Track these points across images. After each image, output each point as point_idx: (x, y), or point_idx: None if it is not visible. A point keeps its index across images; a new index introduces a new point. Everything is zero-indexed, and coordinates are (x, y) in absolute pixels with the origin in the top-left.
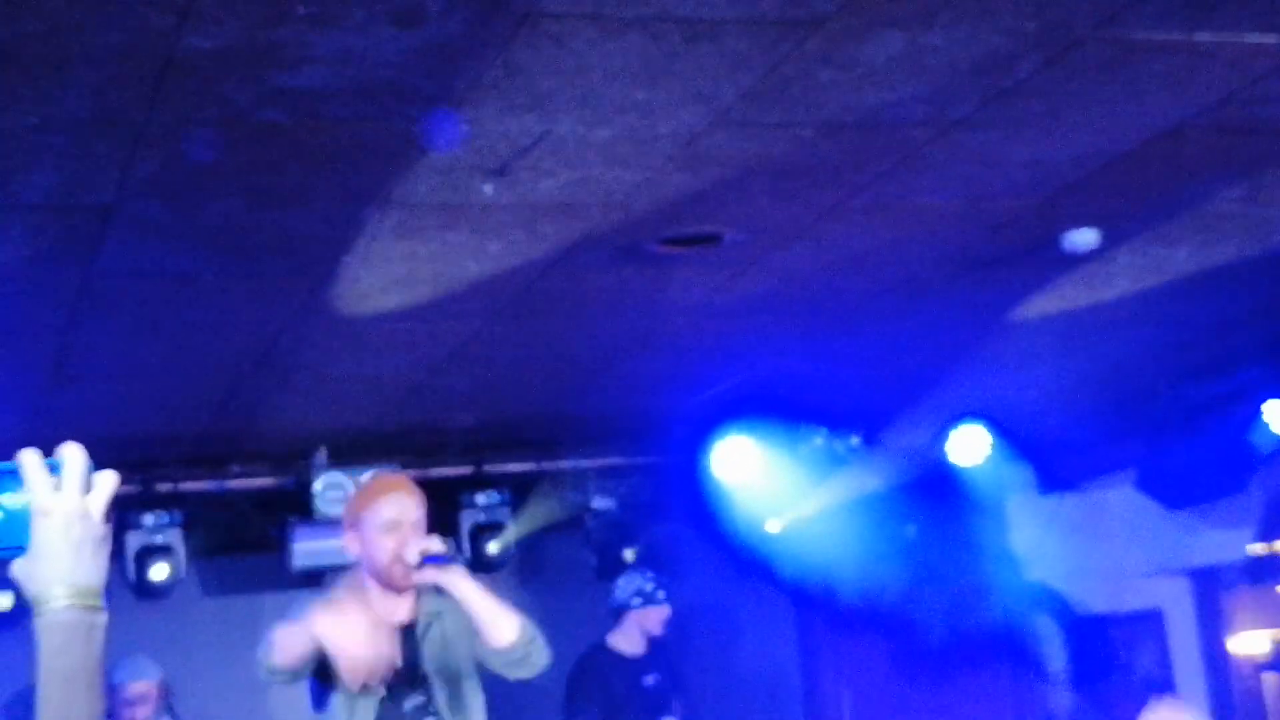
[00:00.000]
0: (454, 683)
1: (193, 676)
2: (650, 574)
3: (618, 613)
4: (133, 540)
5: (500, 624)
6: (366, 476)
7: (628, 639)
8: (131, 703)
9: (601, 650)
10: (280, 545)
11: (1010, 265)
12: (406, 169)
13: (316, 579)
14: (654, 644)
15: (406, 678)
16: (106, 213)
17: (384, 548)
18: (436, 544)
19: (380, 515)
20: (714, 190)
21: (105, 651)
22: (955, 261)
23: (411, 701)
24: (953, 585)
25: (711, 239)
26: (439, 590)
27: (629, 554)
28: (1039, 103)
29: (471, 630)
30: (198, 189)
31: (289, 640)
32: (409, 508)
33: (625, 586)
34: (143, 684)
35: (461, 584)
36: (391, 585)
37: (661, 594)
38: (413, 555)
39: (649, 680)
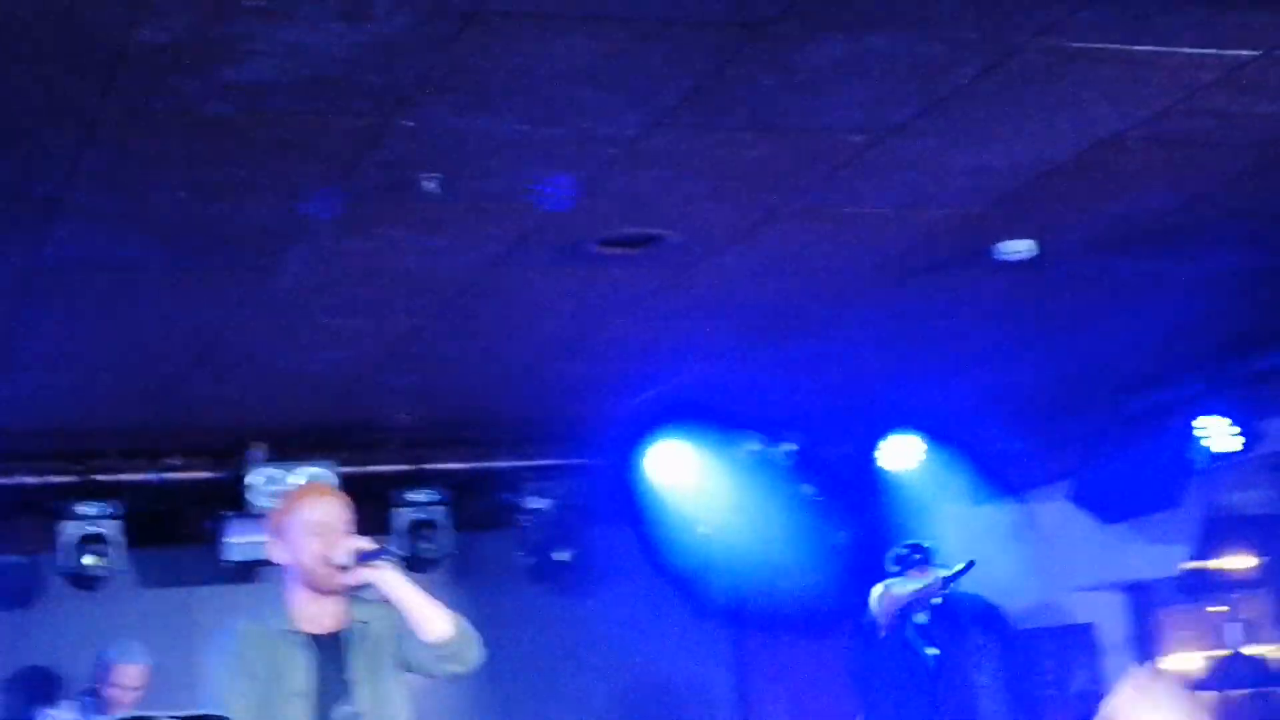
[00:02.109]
0: (382, 689)
1: None
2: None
3: None
4: (70, 529)
5: (434, 620)
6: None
7: None
8: (120, 685)
9: None
10: (214, 538)
11: (947, 273)
12: (351, 165)
13: (248, 572)
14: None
15: (334, 687)
16: (53, 203)
17: (309, 550)
18: (366, 542)
19: (305, 517)
20: (654, 192)
21: (44, 640)
22: (892, 268)
23: (339, 711)
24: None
25: (651, 240)
26: (367, 598)
27: (563, 554)
28: (978, 110)
29: (400, 634)
30: (145, 181)
31: None
32: (335, 510)
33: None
34: (134, 668)
35: (394, 580)
36: (319, 588)
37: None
38: (343, 556)
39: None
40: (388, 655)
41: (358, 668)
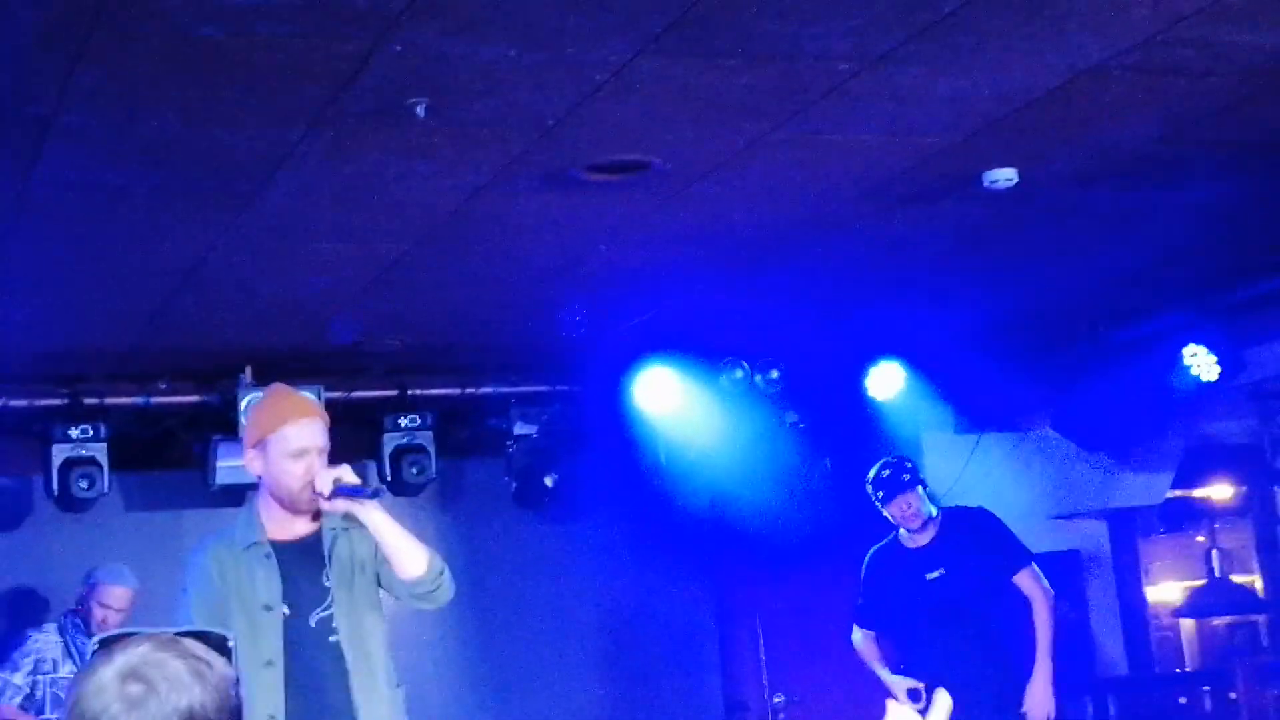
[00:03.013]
0: (356, 598)
1: None
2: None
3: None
4: (57, 452)
5: (410, 557)
6: (269, 392)
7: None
8: (106, 605)
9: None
10: (203, 462)
11: (931, 202)
12: (340, 89)
13: (238, 496)
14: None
15: (310, 592)
16: (43, 125)
17: (292, 474)
18: (348, 474)
19: (289, 442)
20: (641, 118)
21: (32, 562)
22: (877, 197)
23: (316, 615)
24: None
25: (638, 167)
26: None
27: (549, 480)
28: (963, 38)
29: (376, 554)
30: (134, 103)
31: None
32: (317, 434)
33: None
34: (121, 590)
35: (373, 515)
36: (295, 509)
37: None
38: (325, 485)
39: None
40: (363, 565)
41: (336, 574)
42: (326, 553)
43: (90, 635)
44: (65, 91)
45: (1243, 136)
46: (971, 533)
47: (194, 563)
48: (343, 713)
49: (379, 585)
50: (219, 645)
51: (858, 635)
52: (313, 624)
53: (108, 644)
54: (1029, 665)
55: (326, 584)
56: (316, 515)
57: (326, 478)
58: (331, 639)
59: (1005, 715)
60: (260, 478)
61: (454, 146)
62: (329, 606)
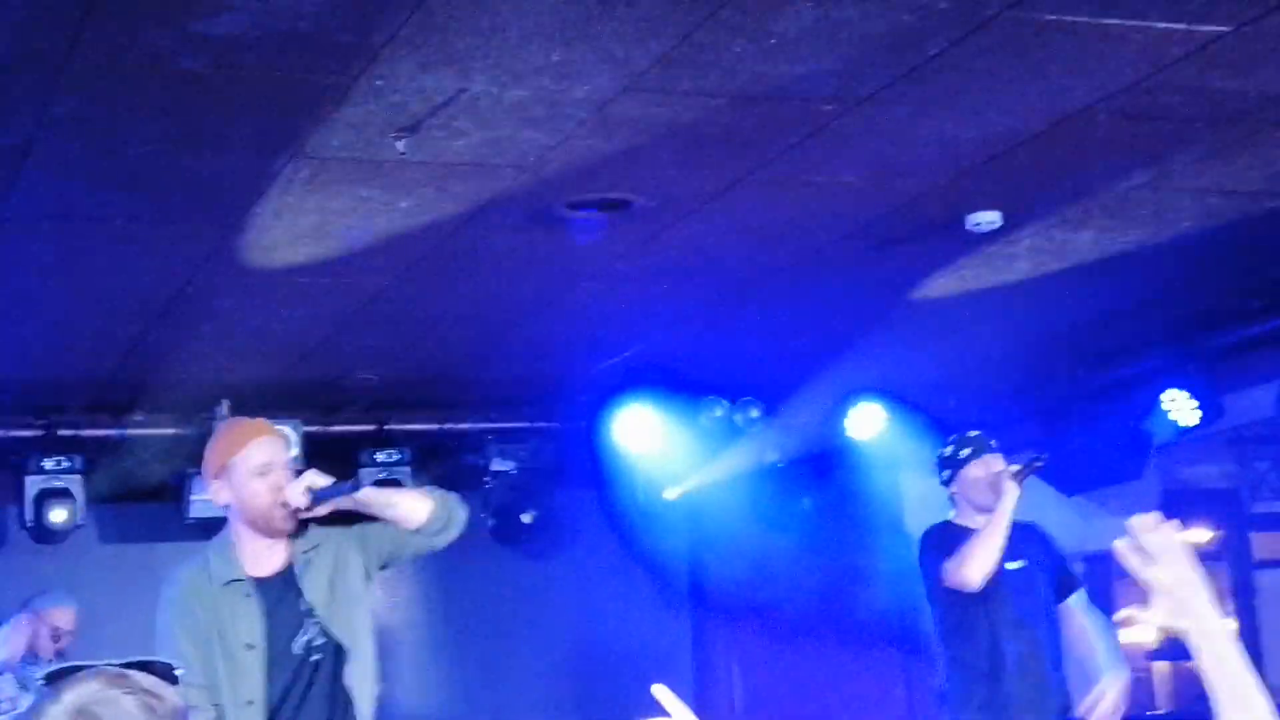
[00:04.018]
0: (338, 600)
1: (87, 621)
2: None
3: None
4: (32, 484)
5: (413, 508)
6: (223, 423)
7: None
8: (59, 628)
9: None
10: (178, 495)
11: (914, 243)
12: (321, 122)
13: (213, 529)
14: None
15: (291, 622)
16: (20, 152)
17: (258, 492)
18: (318, 478)
19: (251, 460)
20: (624, 156)
21: (6, 594)
22: (859, 237)
23: (297, 641)
24: (845, 561)
25: (620, 205)
26: (310, 524)
27: (526, 517)
28: (948, 81)
29: (367, 541)
30: (114, 132)
31: None
32: (277, 450)
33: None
34: (65, 611)
35: (363, 499)
36: (271, 530)
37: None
38: (298, 497)
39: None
40: (345, 574)
41: (312, 592)
42: (300, 578)
43: (38, 661)
44: (43, 119)
45: (1225, 183)
46: (1040, 541)
47: (171, 598)
48: (337, 713)
49: (390, 564)
50: (165, 674)
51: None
52: (295, 651)
53: (54, 679)
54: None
55: (305, 608)
56: (286, 542)
57: (297, 489)
58: (315, 657)
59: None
60: (229, 507)
61: (434, 182)
62: (309, 629)
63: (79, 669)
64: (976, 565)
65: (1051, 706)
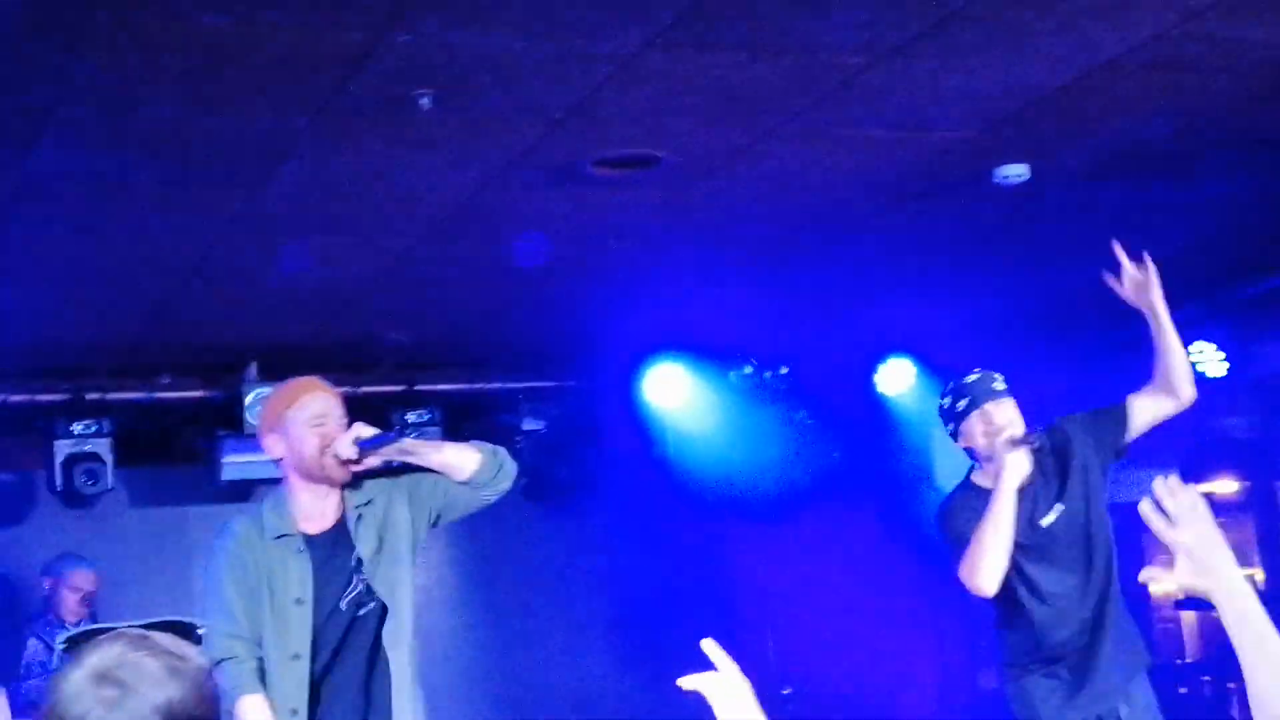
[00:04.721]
0: (386, 559)
1: (117, 584)
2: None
3: None
4: (61, 448)
5: (462, 459)
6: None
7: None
8: (79, 588)
9: None
10: (209, 457)
11: (941, 197)
12: (345, 80)
13: (244, 491)
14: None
15: (340, 579)
16: (42, 115)
17: (311, 442)
18: (365, 429)
19: (306, 410)
20: (650, 112)
21: (37, 558)
22: (887, 192)
23: (348, 596)
24: (878, 517)
25: (647, 162)
26: (363, 476)
27: (558, 475)
28: (975, 33)
29: (417, 498)
30: (135, 93)
31: None
32: (332, 404)
33: None
34: (88, 572)
35: (408, 451)
36: (324, 479)
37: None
38: (347, 448)
39: None
40: (395, 531)
41: (364, 548)
42: (353, 533)
43: (61, 619)
44: (62, 80)
45: (1253, 133)
46: (1066, 449)
47: (224, 547)
48: (373, 669)
49: (442, 520)
50: (188, 634)
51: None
52: (343, 607)
53: (75, 642)
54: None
55: (354, 565)
56: (339, 496)
57: (346, 441)
58: (362, 612)
59: (1130, 691)
60: (283, 461)
61: (459, 139)
62: (358, 585)
63: (100, 631)
64: (984, 573)
65: (1117, 670)
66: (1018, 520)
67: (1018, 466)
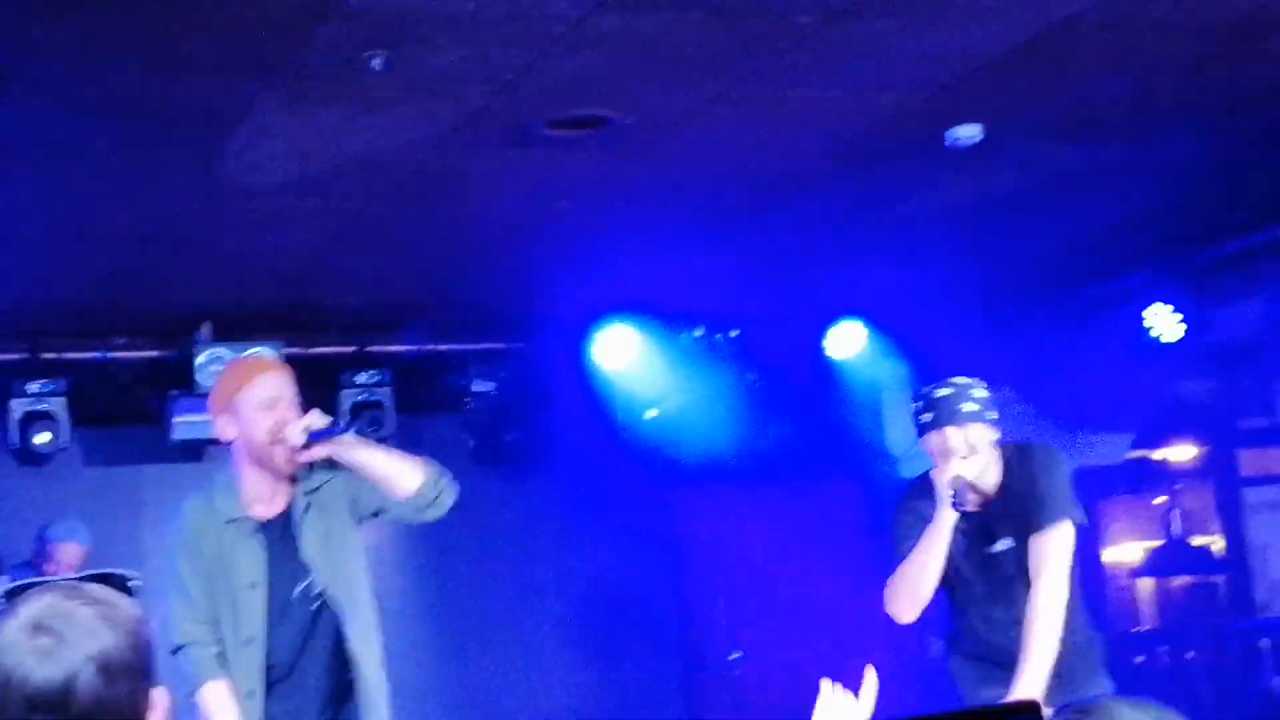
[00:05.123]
0: (338, 557)
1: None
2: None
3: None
4: (16, 407)
5: (404, 475)
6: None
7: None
8: (58, 561)
9: None
10: (161, 417)
11: (895, 160)
12: (297, 42)
13: (196, 451)
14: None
15: (291, 565)
16: (1, 77)
17: (261, 425)
18: (318, 419)
19: (257, 393)
20: (602, 73)
21: None
22: (840, 154)
23: (297, 587)
24: (827, 478)
25: (598, 122)
26: (313, 464)
27: (508, 437)
28: None
29: (360, 490)
30: (92, 57)
31: None
32: (284, 385)
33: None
34: (74, 546)
35: (354, 452)
36: (272, 467)
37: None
38: (296, 435)
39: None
40: (341, 519)
41: (311, 543)
42: (299, 523)
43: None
44: (20, 45)
45: (1211, 94)
46: (1028, 482)
47: (178, 532)
48: (338, 669)
49: (377, 516)
50: (120, 585)
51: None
52: (294, 596)
53: (11, 596)
54: None
55: (303, 556)
56: (288, 484)
57: (297, 428)
58: (315, 605)
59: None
60: (234, 443)
61: (411, 101)
62: (309, 574)
63: (34, 584)
64: (900, 603)
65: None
66: (965, 541)
67: (950, 518)
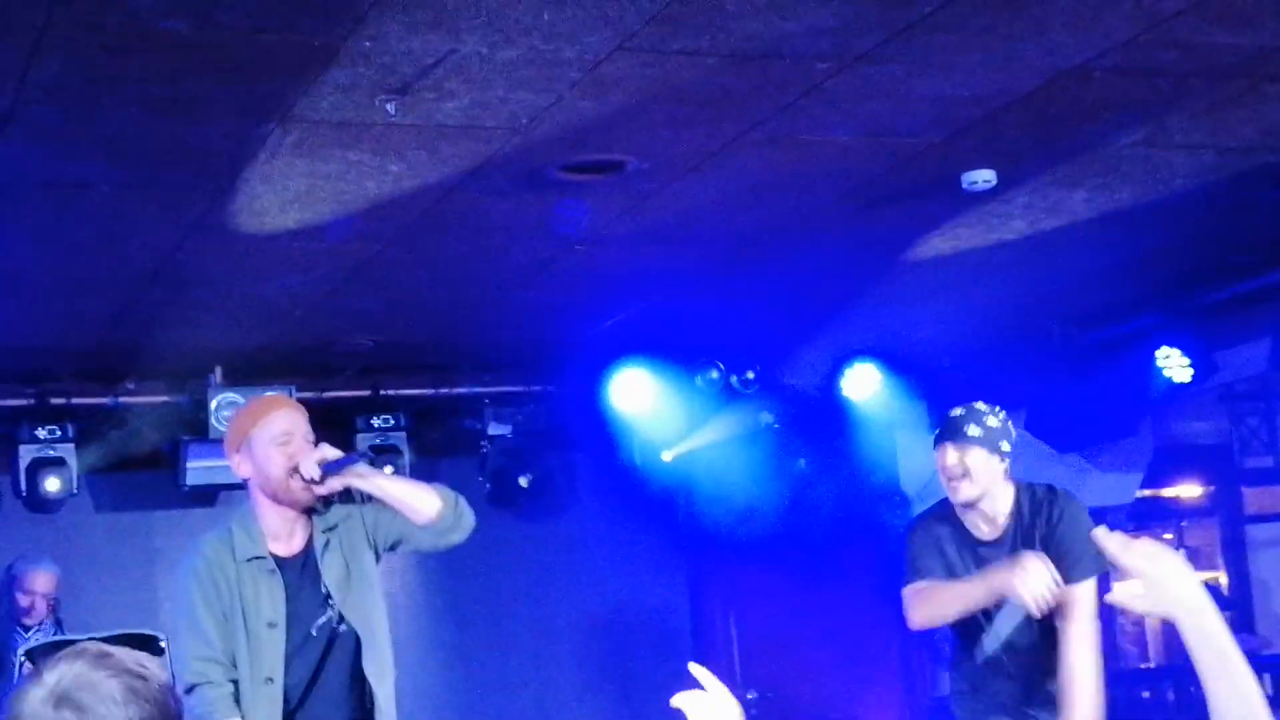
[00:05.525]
0: (356, 594)
1: (82, 589)
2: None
3: None
4: (25, 453)
5: (421, 501)
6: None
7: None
8: (32, 591)
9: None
10: (173, 462)
11: (909, 203)
12: (307, 84)
13: (209, 496)
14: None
15: (309, 604)
16: (3, 119)
17: (277, 461)
18: (330, 451)
19: (271, 429)
20: (617, 117)
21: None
22: (854, 197)
23: (317, 622)
24: (841, 519)
25: (613, 167)
26: (331, 500)
27: (523, 481)
28: (943, 38)
29: (378, 522)
30: (95, 97)
31: None
32: (297, 421)
33: None
34: (44, 574)
35: (369, 480)
36: (289, 502)
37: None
38: (310, 469)
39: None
40: (360, 554)
41: (331, 579)
42: (320, 559)
43: (20, 622)
44: (23, 85)
45: (1220, 139)
46: (1046, 528)
47: (194, 569)
48: (352, 700)
49: (397, 548)
50: (151, 647)
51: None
52: (314, 633)
53: (34, 656)
54: None
55: (324, 591)
56: (308, 520)
57: (310, 462)
58: (331, 636)
59: None
60: (249, 482)
61: (425, 145)
62: (329, 612)
63: (60, 644)
64: (921, 616)
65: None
66: (975, 572)
67: (1009, 595)
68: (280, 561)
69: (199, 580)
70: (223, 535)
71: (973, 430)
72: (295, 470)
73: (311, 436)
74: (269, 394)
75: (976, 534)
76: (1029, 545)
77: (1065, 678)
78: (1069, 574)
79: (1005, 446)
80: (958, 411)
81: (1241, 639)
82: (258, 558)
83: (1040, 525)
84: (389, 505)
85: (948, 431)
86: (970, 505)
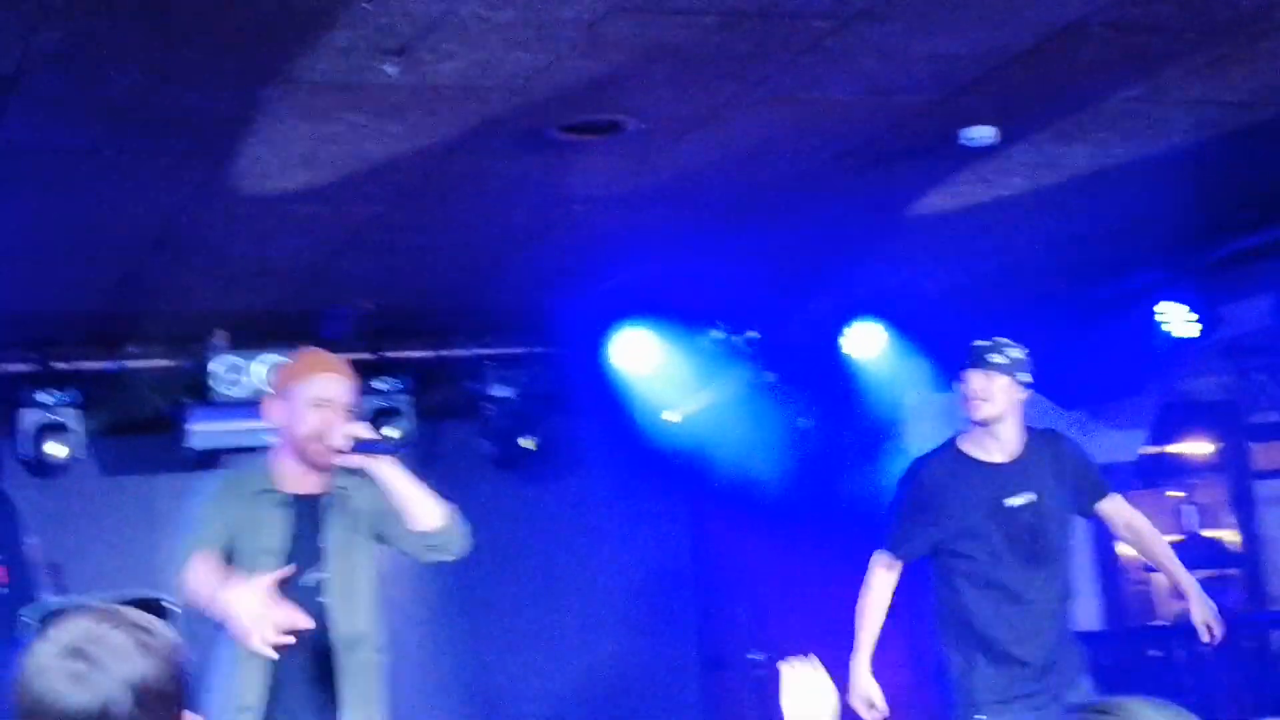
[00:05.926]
0: (352, 559)
1: (87, 554)
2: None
3: None
4: (29, 418)
5: (425, 510)
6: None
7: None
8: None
9: None
10: (176, 426)
11: (909, 161)
12: (307, 47)
13: (212, 460)
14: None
15: (306, 551)
16: (7, 85)
17: (307, 422)
18: (365, 430)
19: (312, 389)
20: (616, 77)
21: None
22: (854, 156)
23: (307, 578)
24: (846, 478)
25: (612, 127)
26: (355, 471)
27: (527, 442)
28: None
29: (383, 510)
30: (99, 63)
31: (196, 596)
32: (342, 390)
33: None
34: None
35: (388, 471)
36: (308, 461)
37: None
38: (341, 440)
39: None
40: (363, 527)
41: (332, 535)
42: (329, 512)
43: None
44: (28, 52)
45: (1221, 93)
46: (1057, 456)
47: (205, 491)
48: (323, 677)
49: (381, 541)
50: (156, 609)
51: (881, 573)
52: (301, 585)
53: (46, 620)
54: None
55: (324, 545)
56: (326, 475)
57: (339, 434)
58: (319, 599)
59: (1078, 681)
60: (277, 427)
61: (424, 106)
62: (323, 569)
63: (71, 608)
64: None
65: (1060, 667)
66: (984, 492)
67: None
68: (291, 498)
69: (207, 500)
70: (239, 469)
71: (997, 358)
72: (323, 437)
73: (352, 407)
74: (322, 354)
75: (987, 458)
76: (1039, 471)
77: (1166, 561)
78: (1102, 490)
79: (1025, 377)
80: (984, 341)
81: (1248, 597)
82: (270, 490)
83: (1048, 458)
84: (392, 499)
85: (973, 358)
86: (987, 425)
